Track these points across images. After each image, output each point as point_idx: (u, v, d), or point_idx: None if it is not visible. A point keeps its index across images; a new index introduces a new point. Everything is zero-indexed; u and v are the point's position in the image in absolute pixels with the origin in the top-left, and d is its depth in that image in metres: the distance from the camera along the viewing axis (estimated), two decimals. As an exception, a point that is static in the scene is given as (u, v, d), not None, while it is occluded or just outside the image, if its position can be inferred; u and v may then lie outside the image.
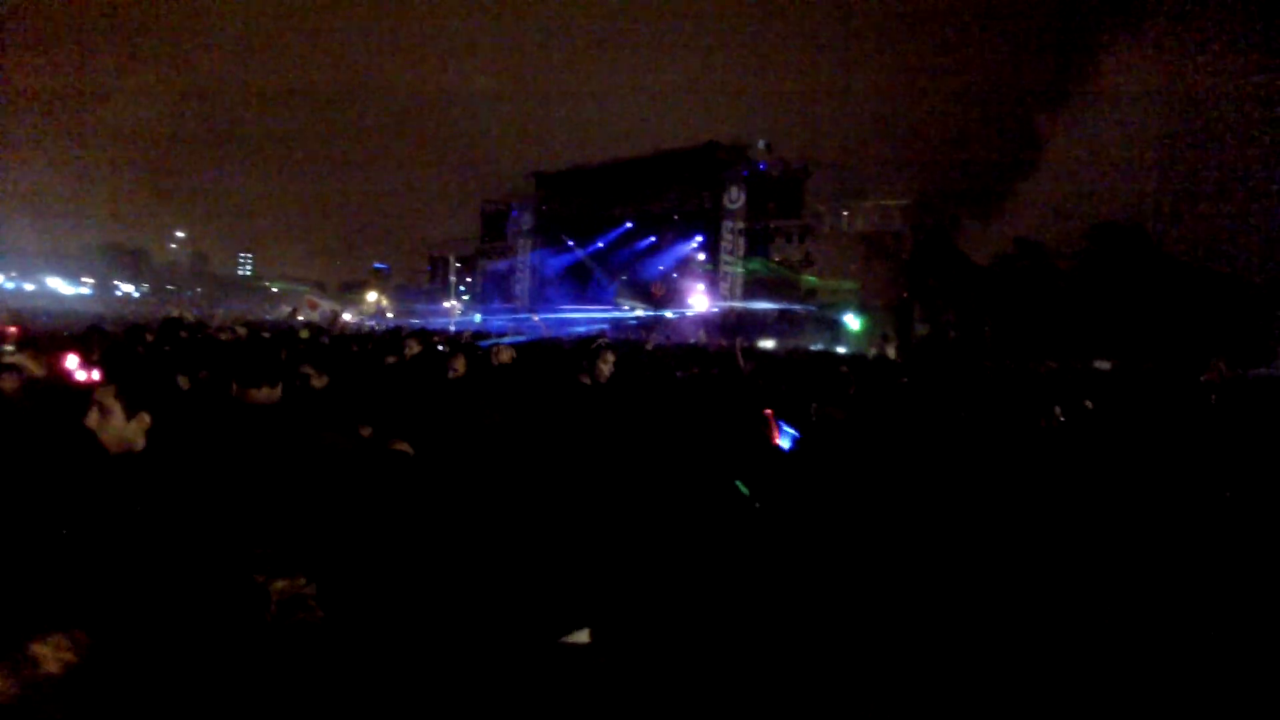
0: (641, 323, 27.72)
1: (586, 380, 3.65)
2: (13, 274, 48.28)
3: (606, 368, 3.73)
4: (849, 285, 31.20)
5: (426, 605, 2.06)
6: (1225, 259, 28.39)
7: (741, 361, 4.74)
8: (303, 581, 1.71)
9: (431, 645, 1.98)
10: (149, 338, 7.56)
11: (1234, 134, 34.87)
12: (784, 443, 3.81)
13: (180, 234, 79.00)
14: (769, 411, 3.90)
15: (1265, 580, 2.90)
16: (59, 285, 47.04)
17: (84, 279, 51.02)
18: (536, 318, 29.75)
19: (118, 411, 1.91)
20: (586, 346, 3.76)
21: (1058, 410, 4.17)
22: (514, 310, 34.72)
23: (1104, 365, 18.37)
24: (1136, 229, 29.44)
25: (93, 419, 1.86)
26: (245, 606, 1.64)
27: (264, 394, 2.99)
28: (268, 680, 1.56)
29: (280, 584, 1.68)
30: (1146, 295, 25.05)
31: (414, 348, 6.68)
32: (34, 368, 3.71)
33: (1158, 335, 22.15)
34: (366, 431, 2.72)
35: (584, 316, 30.24)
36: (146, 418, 1.95)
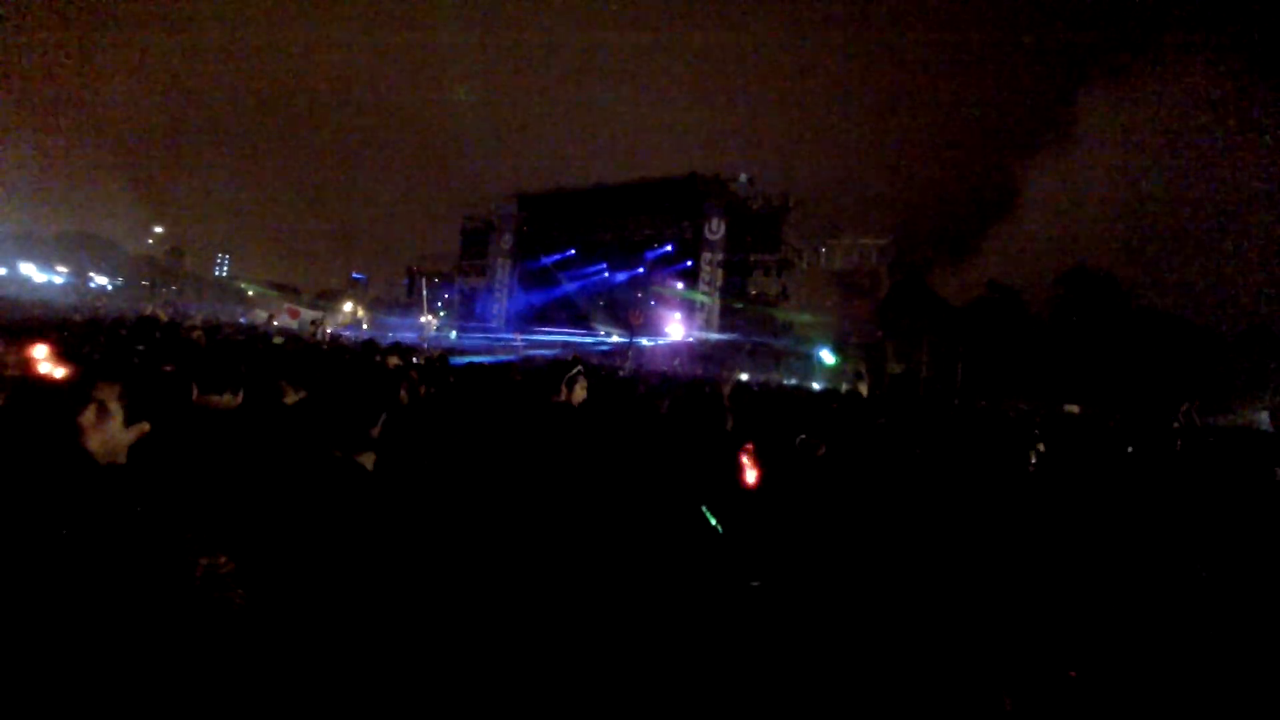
0: (617, 349, 27.63)
1: (559, 401, 3.60)
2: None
3: (581, 391, 3.69)
4: (824, 321, 31.52)
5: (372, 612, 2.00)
6: (1194, 308, 29.08)
7: (726, 398, 4.66)
8: (223, 560, 1.74)
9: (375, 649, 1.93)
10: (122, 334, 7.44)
11: (1205, 186, 35.90)
12: (750, 477, 3.78)
13: (158, 229, 78.04)
14: (749, 448, 3.86)
15: (1230, 619, 2.91)
16: (31, 272, 45.38)
17: (58, 267, 49.23)
18: (519, 339, 29.56)
19: (117, 416, 1.77)
20: (562, 370, 3.71)
21: (1035, 448, 4.18)
22: (490, 329, 34.52)
23: (1073, 409, 18.63)
24: (1107, 276, 30.09)
25: (88, 418, 1.73)
26: (173, 578, 1.66)
27: (224, 400, 2.91)
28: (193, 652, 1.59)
29: (203, 560, 1.74)
30: (1115, 341, 25.53)
31: (394, 363, 6.58)
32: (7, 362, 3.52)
33: (1125, 381, 22.53)
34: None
35: (560, 340, 30.13)
36: (146, 428, 1.81)
